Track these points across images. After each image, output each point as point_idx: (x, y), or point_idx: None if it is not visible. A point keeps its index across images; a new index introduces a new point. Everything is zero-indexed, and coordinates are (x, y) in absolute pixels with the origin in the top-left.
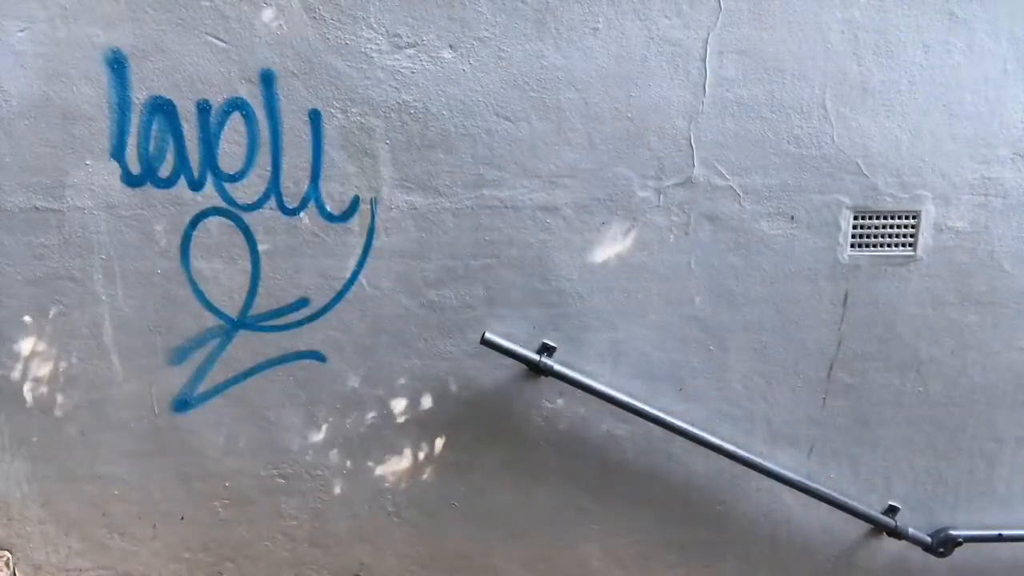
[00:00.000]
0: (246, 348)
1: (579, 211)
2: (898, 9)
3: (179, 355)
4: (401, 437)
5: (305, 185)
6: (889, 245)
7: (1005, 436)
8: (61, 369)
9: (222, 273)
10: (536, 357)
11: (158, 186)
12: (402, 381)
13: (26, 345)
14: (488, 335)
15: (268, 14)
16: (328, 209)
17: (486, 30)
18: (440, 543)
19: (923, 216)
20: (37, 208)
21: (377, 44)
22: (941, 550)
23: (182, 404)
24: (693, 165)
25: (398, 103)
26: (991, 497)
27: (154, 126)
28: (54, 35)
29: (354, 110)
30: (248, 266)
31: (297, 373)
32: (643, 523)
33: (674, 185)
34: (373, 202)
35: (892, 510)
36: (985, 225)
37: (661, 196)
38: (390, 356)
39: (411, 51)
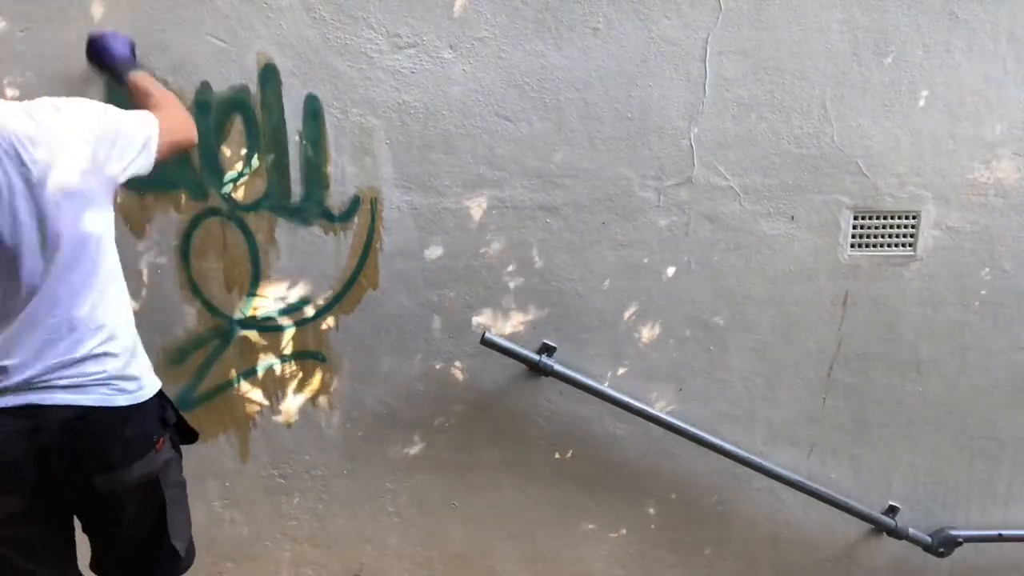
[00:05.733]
0: (246, 348)
1: (579, 211)
2: (898, 9)
3: (179, 355)
4: (401, 437)
5: (305, 185)
6: (889, 245)
7: (1005, 436)
8: None
9: (222, 273)
10: (536, 357)
11: (158, 187)
12: (402, 381)
13: None
14: (488, 335)
15: (268, 14)
16: (328, 209)
17: (486, 30)
18: (440, 543)
19: (923, 216)
20: None
21: (377, 44)
22: (941, 550)
23: (182, 404)
24: (693, 165)
25: (398, 103)
26: (991, 497)
27: None
28: (54, 35)
29: (354, 110)
30: (248, 266)
31: (297, 373)
32: (643, 523)
33: (674, 185)
34: (373, 202)
35: (892, 510)
36: (985, 225)
37: (661, 196)
38: (390, 356)
39: (411, 51)
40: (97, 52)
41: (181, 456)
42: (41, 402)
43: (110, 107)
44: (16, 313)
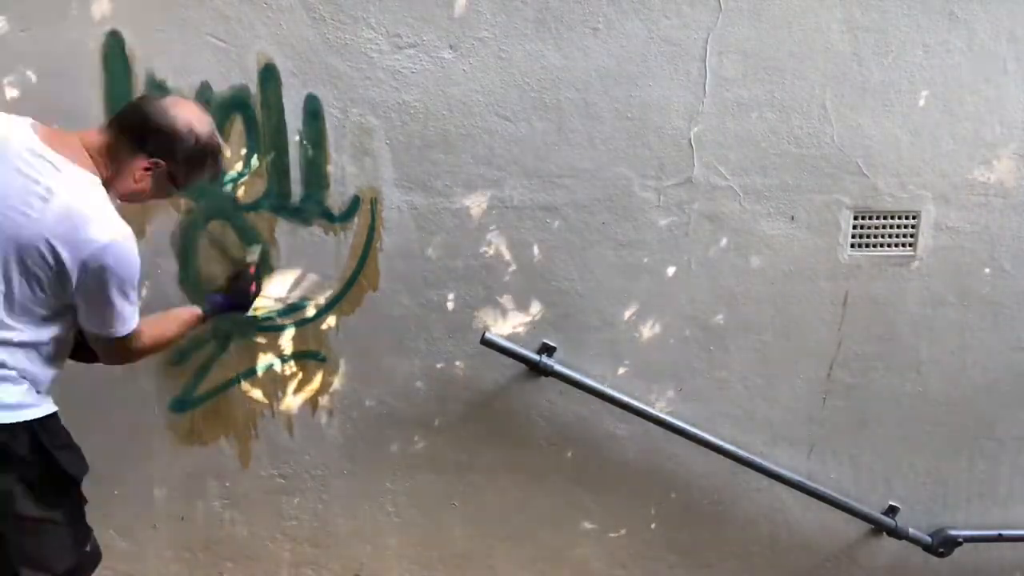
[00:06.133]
0: (246, 348)
1: (579, 211)
2: (898, 9)
3: (179, 355)
4: (401, 437)
5: (305, 185)
6: (889, 245)
7: (1005, 436)
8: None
9: (222, 274)
10: (536, 357)
11: None
12: (402, 381)
13: None
14: (488, 335)
15: (268, 14)
16: (328, 209)
17: (486, 30)
18: (440, 543)
19: (923, 216)
20: None
21: (377, 44)
22: (941, 550)
23: (182, 404)
24: (693, 165)
25: (398, 103)
26: (991, 497)
27: None
28: (55, 35)
29: (354, 110)
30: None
31: (297, 373)
32: (643, 523)
33: (674, 185)
34: (373, 202)
35: (892, 510)
36: (985, 225)
37: (661, 196)
38: (390, 356)
39: (411, 51)
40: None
41: (48, 491)
42: None
43: (116, 290)
44: None
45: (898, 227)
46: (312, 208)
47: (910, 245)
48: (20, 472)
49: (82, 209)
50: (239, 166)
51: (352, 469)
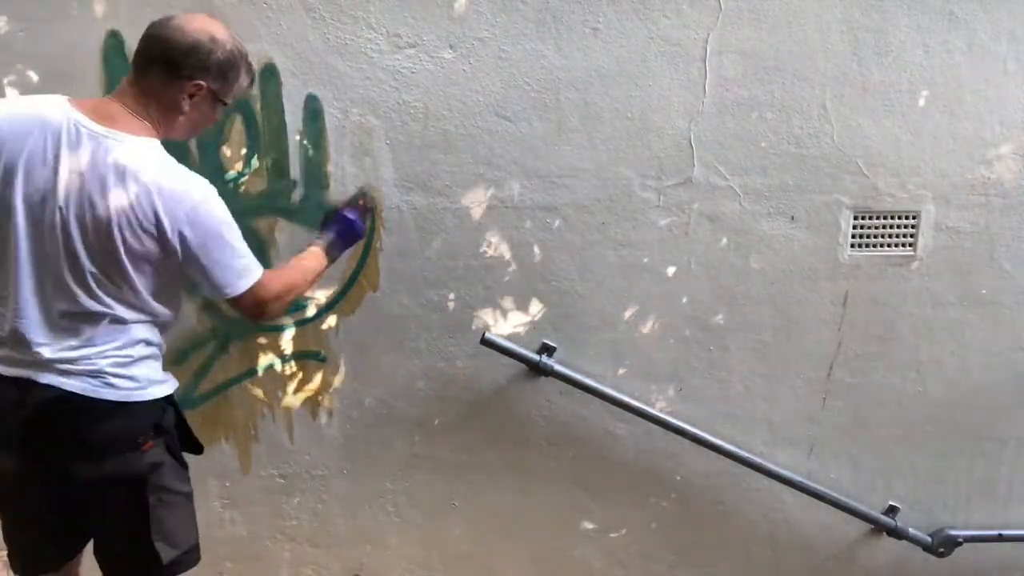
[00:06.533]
0: (246, 348)
1: (579, 211)
2: (898, 9)
3: (179, 355)
4: (401, 437)
5: (305, 185)
6: (889, 245)
7: (1005, 436)
8: None
9: None
10: (536, 357)
11: None
12: (402, 381)
13: None
14: (488, 335)
15: (268, 14)
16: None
17: (486, 30)
18: (440, 543)
19: (923, 216)
20: None
21: (377, 44)
22: (941, 550)
23: (182, 404)
24: (693, 165)
25: (398, 103)
26: (991, 497)
27: None
28: (55, 35)
29: (354, 110)
30: None
31: (297, 373)
32: (643, 523)
33: (674, 185)
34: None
35: (892, 510)
36: (985, 225)
37: (661, 196)
38: (390, 356)
39: (411, 51)
40: (342, 233)
41: (183, 466)
42: (34, 377)
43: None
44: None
45: (898, 227)
46: (312, 208)
47: (910, 245)
48: (168, 444)
49: (158, 179)
50: (239, 166)
51: (352, 469)
